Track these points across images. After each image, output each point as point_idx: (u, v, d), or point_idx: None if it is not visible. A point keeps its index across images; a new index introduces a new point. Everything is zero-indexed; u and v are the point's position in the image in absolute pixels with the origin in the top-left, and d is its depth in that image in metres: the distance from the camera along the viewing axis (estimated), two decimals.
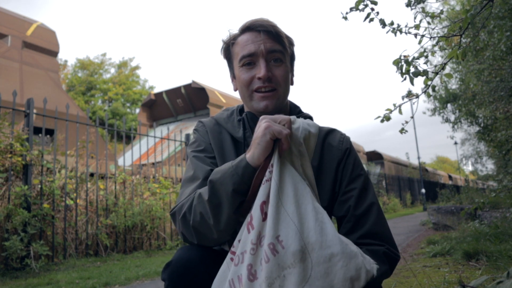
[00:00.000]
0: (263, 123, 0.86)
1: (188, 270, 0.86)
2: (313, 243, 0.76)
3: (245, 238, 0.82)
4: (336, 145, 1.08)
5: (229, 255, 0.86)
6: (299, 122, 0.93)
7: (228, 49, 1.12)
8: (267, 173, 0.85)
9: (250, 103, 1.08)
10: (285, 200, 0.81)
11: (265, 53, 1.03)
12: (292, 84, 1.14)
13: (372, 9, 2.32)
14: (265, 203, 0.82)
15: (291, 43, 1.11)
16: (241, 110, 1.18)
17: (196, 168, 1.05)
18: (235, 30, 1.10)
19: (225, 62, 1.18)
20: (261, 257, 0.78)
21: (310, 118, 1.15)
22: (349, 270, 0.75)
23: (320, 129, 1.13)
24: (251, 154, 0.87)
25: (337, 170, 1.04)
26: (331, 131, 1.13)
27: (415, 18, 2.39)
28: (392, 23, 2.33)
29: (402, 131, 2.47)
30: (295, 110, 1.16)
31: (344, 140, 1.10)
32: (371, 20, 2.34)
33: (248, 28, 1.06)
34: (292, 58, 1.14)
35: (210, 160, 1.07)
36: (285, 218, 0.79)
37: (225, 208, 0.88)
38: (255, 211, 0.82)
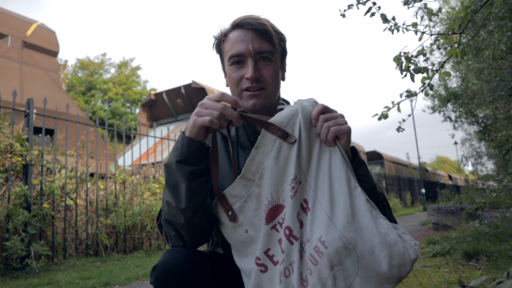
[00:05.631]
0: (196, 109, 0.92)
1: (173, 274, 0.86)
2: (355, 237, 0.79)
3: (289, 250, 0.85)
4: None
5: (257, 268, 0.88)
6: (294, 106, 0.93)
7: (219, 45, 1.12)
8: (294, 184, 0.87)
9: (240, 101, 1.08)
10: (322, 202, 0.84)
11: (253, 54, 1.03)
12: (283, 80, 1.14)
13: (374, 3, 2.30)
14: (299, 213, 0.86)
15: (281, 40, 1.11)
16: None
17: None
18: (227, 25, 1.10)
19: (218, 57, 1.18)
20: (307, 262, 0.82)
21: None
22: (392, 258, 0.78)
23: None
24: (186, 126, 0.93)
25: None
26: None
27: (416, 14, 2.38)
28: (394, 19, 2.32)
29: (399, 129, 2.46)
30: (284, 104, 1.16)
31: None
32: (373, 14, 2.32)
33: (238, 25, 1.06)
34: (283, 54, 1.13)
35: None
36: (323, 219, 0.83)
37: (180, 183, 0.91)
38: (294, 223, 0.85)
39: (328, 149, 0.89)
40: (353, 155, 0.95)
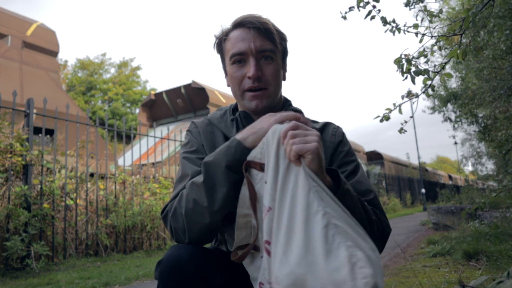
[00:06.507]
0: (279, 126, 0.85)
1: (178, 269, 0.86)
2: (304, 274, 0.71)
3: (262, 277, 0.82)
4: (329, 139, 1.09)
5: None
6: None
7: (220, 45, 1.12)
8: (267, 204, 0.81)
9: (241, 101, 1.09)
10: (281, 232, 0.77)
11: (255, 52, 1.03)
12: (284, 79, 1.13)
13: (374, 7, 2.31)
14: (268, 243, 0.79)
15: (283, 39, 1.11)
16: (234, 109, 1.18)
17: (186, 169, 1.05)
18: (228, 25, 1.09)
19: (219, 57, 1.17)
20: None
21: (300, 112, 1.15)
22: None
23: (314, 123, 1.14)
24: (243, 135, 0.89)
25: (329, 161, 1.06)
26: (325, 126, 1.13)
27: (416, 16, 2.38)
28: (394, 21, 2.32)
29: (401, 131, 2.47)
30: (286, 105, 1.16)
31: (337, 133, 1.11)
32: (373, 17, 2.33)
33: (240, 24, 1.06)
34: (284, 54, 1.13)
35: (200, 161, 1.07)
36: (278, 252, 0.76)
37: (220, 187, 0.89)
38: (262, 251, 0.82)
39: (296, 170, 0.79)
40: (337, 182, 0.85)
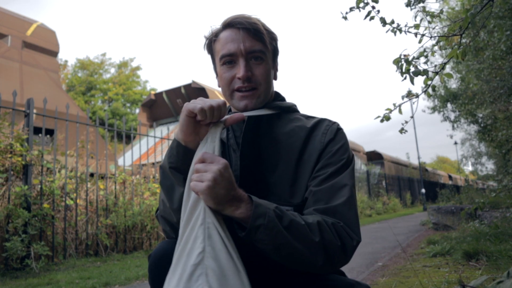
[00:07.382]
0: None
1: (163, 261, 0.89)
2: None
3: None
4: (318, 139, 1.02)
5: None
6: None
7: (210, 45, 1.11)
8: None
9: (231, 101, 1.08)
10: (174, 257, 0.79)
11: (245, 53, 1.02)
12: (275, 79, 1.12)
13: (373, 7, 2.32)
14: None
15: (273, 39, 1.09)
16: (228, 111, 1.16)
17: None
18: (218, 25, 1.09)
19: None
20: None
21: (294, 106, 1.13)
22: None
23: (308, 119, 1.10)
24: (176, 131, 0.94)
25: (316, 162, 0.99)
26: (318, 123, 1.06)
27: (415, 17, 2.39)
28: (392, 22, 2.33)
29: (402, 131, 2.47)
30: (277, 99, 1.13)
31: (328, 131, 1.03)
32: (372, 18, 2.34)
33: (229, 24, 1.05)
34: (274, 53, 1.11)
35: None
36: (168, 275, 0.80)
37: (178, 186, 0.92)
38: None
39: (202, 202, 0.81)
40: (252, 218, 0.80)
